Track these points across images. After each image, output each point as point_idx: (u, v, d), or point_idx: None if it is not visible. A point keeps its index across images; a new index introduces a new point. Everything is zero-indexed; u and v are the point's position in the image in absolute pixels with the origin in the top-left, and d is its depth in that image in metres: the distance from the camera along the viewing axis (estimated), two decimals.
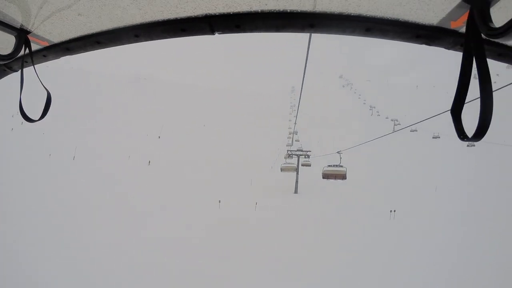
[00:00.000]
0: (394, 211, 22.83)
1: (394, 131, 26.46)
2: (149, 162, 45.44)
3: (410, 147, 60.07)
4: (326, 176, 21.11)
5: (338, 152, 20.32)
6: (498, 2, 1.00)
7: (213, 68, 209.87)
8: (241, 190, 32.11)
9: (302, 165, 34.01)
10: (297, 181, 33.79)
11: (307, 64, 5.30)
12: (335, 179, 21.13)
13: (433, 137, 60.42)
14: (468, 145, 49.95)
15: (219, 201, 24.38)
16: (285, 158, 33.72)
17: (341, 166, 20.67)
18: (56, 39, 1.47)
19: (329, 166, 21.20)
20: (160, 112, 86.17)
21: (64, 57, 1.61)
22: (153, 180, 33.54)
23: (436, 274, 11.47)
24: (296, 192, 33.41)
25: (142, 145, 56.33)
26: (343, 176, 20.85)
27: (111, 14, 1.26)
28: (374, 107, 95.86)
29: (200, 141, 65.01)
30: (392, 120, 76.78)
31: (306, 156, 36.12)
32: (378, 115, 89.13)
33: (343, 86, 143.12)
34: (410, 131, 63.10)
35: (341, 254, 13.43)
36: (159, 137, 66.81)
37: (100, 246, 12.55)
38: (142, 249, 12.72)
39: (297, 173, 34.21)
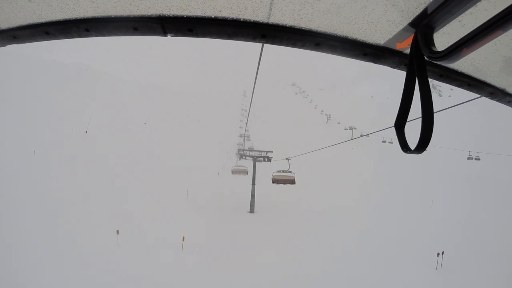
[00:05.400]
0: (442, 253, 14.21)
1: (352, 138, 23.40)
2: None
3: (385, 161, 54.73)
4: (275, 181, 20.11)
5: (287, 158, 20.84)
6: (442, 28, 1.03)
7: (162, 67, 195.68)
8: (173, 206, 22.04)
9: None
10: (253, 195, 24.25)
11: (258, 71, 4.79)
12: (284, 183, 20.17)
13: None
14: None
15: (118, 232, 14.32)
16: (236, 155, 25.57)
17: (290, 172, 19.86)
18: (3, 25, 1.32)
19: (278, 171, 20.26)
20: (93, 106, 71.91)
21: (11, 45, 1.44)
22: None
23: None
24: (252, 211, 23.96)
25: (62, 139, 42.96)
26: (292, 181, 20.01)
27: (62, 5, 1.15)
28: (329, 115, 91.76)
29: (136, 140, 53.03)
30: (349, 128, 72.18)
31: (267, 159, 26.79)
32: (338, 122, 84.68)
33: (296, 94, 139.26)
34: (382, 141, 57.38)
35: None
36: (86, 131, 53.71)
37: None
38: None
39: (253, 183, 24.99)
